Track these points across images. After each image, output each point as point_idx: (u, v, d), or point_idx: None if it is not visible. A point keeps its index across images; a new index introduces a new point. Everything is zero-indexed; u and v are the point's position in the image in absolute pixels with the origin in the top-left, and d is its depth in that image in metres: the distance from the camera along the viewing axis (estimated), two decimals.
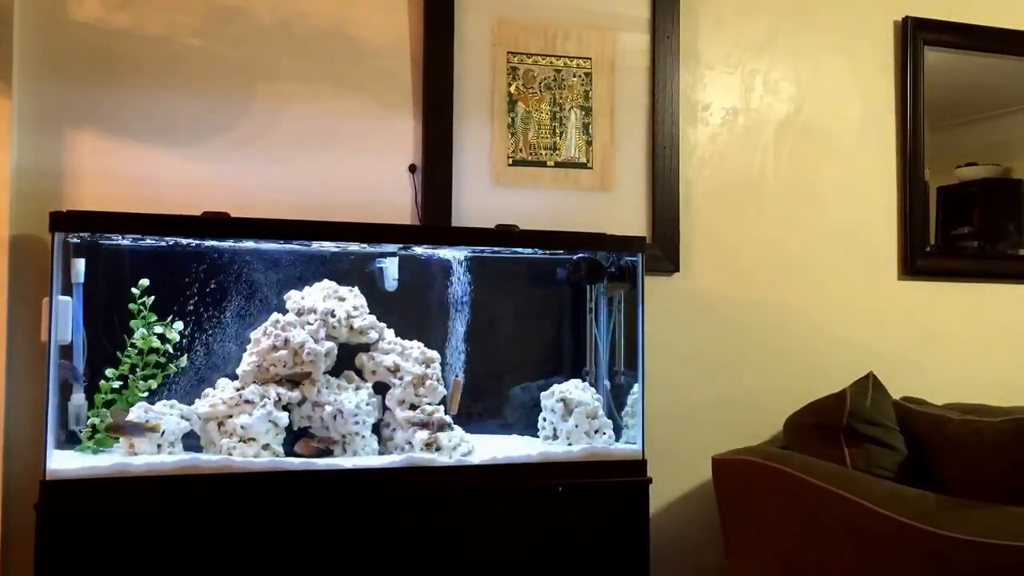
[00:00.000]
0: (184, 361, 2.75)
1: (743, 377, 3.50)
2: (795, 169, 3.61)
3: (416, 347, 2.87)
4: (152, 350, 2.70)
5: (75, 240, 2.62)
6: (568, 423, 2.90)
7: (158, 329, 2.70)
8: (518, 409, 3.09)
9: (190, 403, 2.68)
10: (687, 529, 3.40)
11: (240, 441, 2.58)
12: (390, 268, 2.93)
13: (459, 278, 3.04)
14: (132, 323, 2.69)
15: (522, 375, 3.12)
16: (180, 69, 2.97)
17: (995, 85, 3.92)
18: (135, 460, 2.48)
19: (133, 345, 2.68)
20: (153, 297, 2.70)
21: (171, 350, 2.73)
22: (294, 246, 2.85)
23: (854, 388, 3.12)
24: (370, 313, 2.85)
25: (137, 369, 2.68)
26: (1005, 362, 3.83)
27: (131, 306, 2.69)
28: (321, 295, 2.81)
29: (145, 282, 2.70)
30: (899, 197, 3.72)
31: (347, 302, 2.82)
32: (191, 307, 2.78)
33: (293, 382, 2.71)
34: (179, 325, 2.74)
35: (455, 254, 3.02)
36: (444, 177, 3.16)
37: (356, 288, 2.87)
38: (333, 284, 2.85)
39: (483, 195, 3.23)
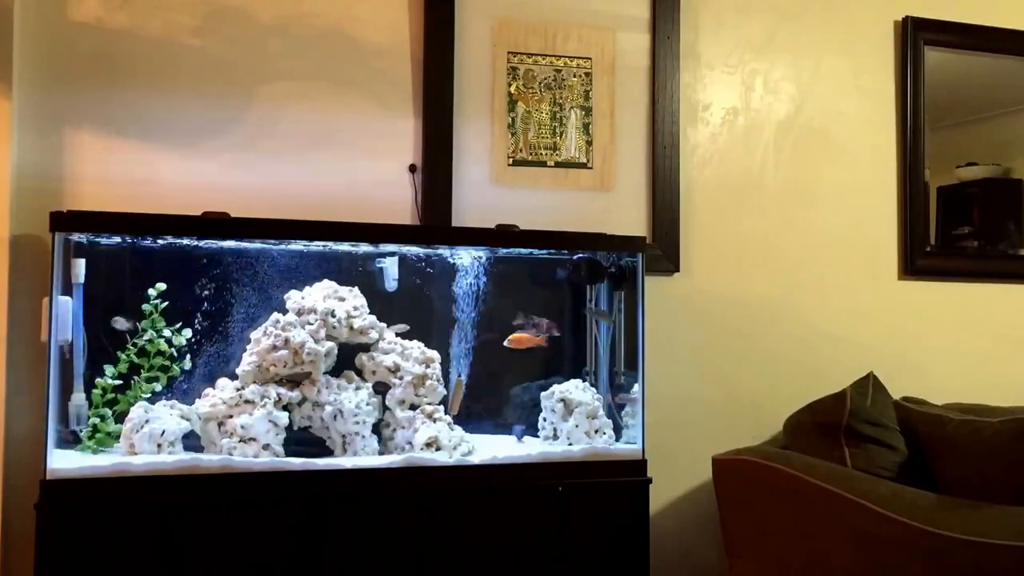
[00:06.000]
0: (187, 363, 2.75)
1: (743, 377, 3.50)
2: (795, 169, 3.61)
3: (416, 347, 2.87)
4: (159, 353, 2.70)
5: (76, 240, 2.62)
6: (568, 423, 2.90)
7: (167, 333, 2.71)
8: (518, 409, 3.09)
9: (190, 403, 2.68)
10: (687, 529, 3.40)
11: (240, 441, 2.58)
12: (390, 268, 2.92)
13: (459, 278, 3.03)
14: (142, 323, 2.69)
15: (522, 375, 3.12)
16: (180, 69, 2.97)
17: (995, 85, 3.91)
18: (135, 460, 2.47)
19: (134, 344, 2.68)
20: (167, 302, 2.72)
21: (176, 354, 2.73)
22: (294, 246, 2.84)
23: (854, 388, 3.12)
24: (370, 313, 2.85)
25: (142, 370, 2.69)
26: (1005, 362, 3.82)
27: (144, 307, 2.70)
28: (321, 295, 2.81)
29: (162, 286, 2.71)
30: (899, 197, 3.72)
31: (347, 302, 2.82)
32: (191, 307, 2.78)
33: (293, 382, 2.71)
34: (188, 332, 2.75)
35: (455, 254, 3.02)
36: (444, 177, 3.16)
37: (356, 288, 2.86)
38: (333, 284, 2.85)
39: (483, 195, 3.22)
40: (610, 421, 2.94)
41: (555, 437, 2.95)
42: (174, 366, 2.73)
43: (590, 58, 3.35)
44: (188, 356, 2.77)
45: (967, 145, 3.88)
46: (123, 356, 2.68)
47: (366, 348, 2.85)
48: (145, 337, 2.69)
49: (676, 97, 3.43)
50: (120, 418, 2.61)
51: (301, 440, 2.72)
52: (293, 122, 3.06)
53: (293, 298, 2.81)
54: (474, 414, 3.01)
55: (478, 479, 2.70)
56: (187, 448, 2.60)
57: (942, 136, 3.76)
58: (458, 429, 2.81)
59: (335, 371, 2.82)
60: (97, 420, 2.63)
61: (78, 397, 2.63)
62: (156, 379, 2.70)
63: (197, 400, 2.69)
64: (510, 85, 3.27)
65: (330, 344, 2.76)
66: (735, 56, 3.57)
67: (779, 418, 3.31)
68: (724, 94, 3.55)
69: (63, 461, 2.47)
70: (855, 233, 3.67)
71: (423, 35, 3.18)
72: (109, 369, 2.66)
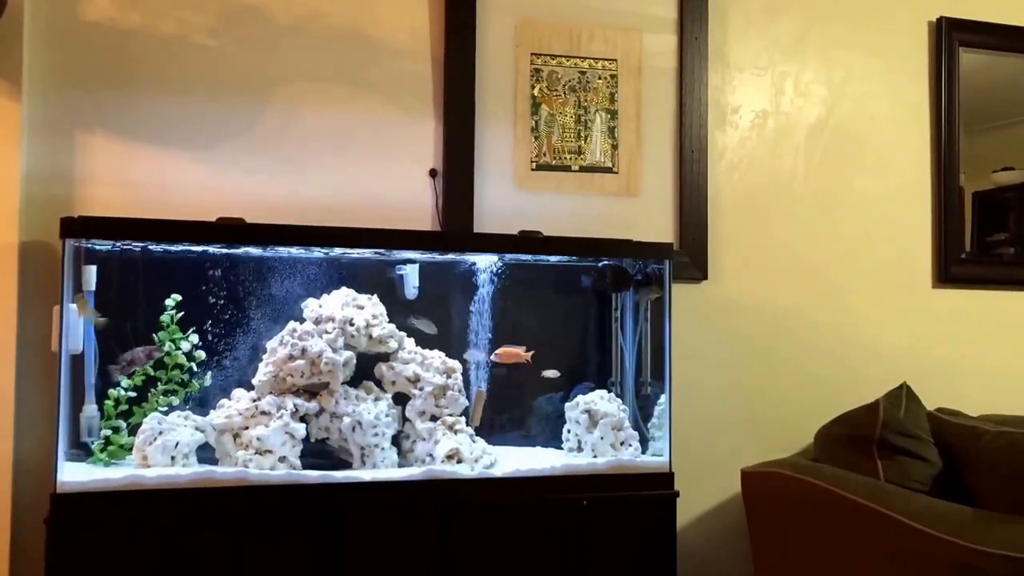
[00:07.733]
0: (208, 380, 2.71)
1: (773, 388, 3.46)
2: (826, 174, 3.56)
3: (437, 357, 2.83)
4: (177, 366, 2.66)
5: (87, 247, 2.59)
6: (593, 435, 2.86)
7: (185, 346, 2.66)
8: (542, 420, 3.05)
9: (205, 414, 2.64)
10: (715, 544, 3.36)
11: (256, 453, 2.54)
12: (410, 275, 2.88)
13: (481, 286, 2.99)
14: (159, 335, 2.65)
15: (546, 385, 3.07)
16: (194, 70, 2.94)
17: None
18: (148, 472, 2.45)
19: (150, 356, 2.63)
20: (182, 313, 2.68)
21: (195, 368, 2.69)
22: (311, 252, 2.80)
23: (887, 399, 3.08)
24: (390, 322, 2.80)
25: (159, 383, 2.65)
26: None
27: (161, 318, 2.66)
28: (339, 303, 2.77)
29: (178, 296, 2.67)
30: (933, 203, 3.68)
31: (366, 310, 2.78)
32: (205, 315, 2.74)
33: (311, 393, 2.66)
34: (194, 338, 2.70)
35: (477, 261, 2.98)
36: (466, 182, 3.12)
37: (375, 296, 2.82)
38: (352, 292, 2.81)
39: (506, 200, 3.18)
40: (636, 433, 2.90)
41: (580, 449, 2.90)
42: (193, 381, 2.69)
43: (616, 59, 3.30)
44: (204, 368, 2.73)
45: (1003, 149, 3.85)
46: (139, 368, 2.63)
47: (385, 358, 2.81)
48: (163, 349, 2.65)
49: (704, 100, 3.38)
50: (134, 430, 2.58)
51: (318, 452, 2.69)
52: (310, 125, 3.03)
53: (310, 306, 2.77)
54: (496, 426, 2.96)
55: (500, 492, 2.66)
56: (201, 460, 2.58)
57: (977, 140, 3.72)
58: (480, 441, 2.78)
59: (354, 381, 2.77)
60: (110, 432, 2.59)
61: (90, 408, 2.60)
62: (174, 392, 2.66)
63: (212, 411, 2.65)
64: (533, 87, 3.22)
65: (348, 353, 2.72)
66: (764, 57, 3.52)
67: (810, 430, 3.26)
68: (753, 97, 3.50)
69: (74, 474, 2.44)
70: (888, 240, 3.62)
71: (444, 36, 3.14)
72: (124, 381, 2.61)
